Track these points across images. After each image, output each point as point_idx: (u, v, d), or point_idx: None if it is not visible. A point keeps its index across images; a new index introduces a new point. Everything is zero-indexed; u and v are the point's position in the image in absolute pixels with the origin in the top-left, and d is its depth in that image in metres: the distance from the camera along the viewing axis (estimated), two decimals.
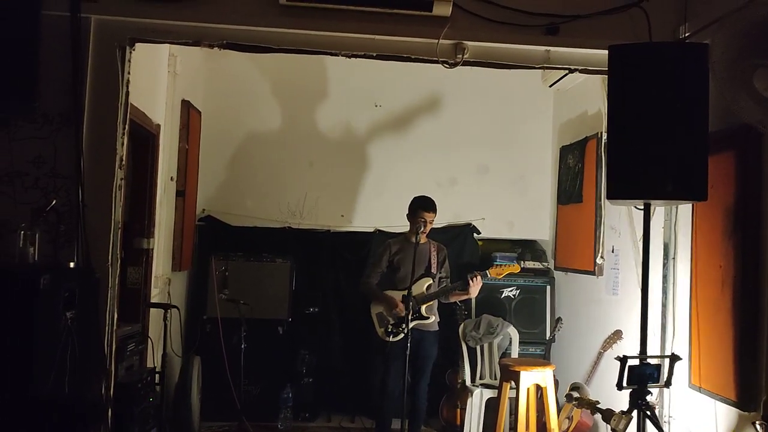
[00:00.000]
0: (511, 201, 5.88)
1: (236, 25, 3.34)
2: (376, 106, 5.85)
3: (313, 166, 5.78)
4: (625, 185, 2.92)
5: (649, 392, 2.72)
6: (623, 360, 2.66)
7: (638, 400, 2.69)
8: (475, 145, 5.86)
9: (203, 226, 5.62)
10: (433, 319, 4.54)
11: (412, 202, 4.65)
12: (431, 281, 4.56)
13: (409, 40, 3.40)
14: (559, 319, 5.14)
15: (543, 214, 5.91)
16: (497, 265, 4.73)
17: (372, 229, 5.74)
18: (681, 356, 2.86)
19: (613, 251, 4.51)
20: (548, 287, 5.58)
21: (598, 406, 3.23)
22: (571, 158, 5.27)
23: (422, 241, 4.47)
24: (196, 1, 3.28)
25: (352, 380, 5.50)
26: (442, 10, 3.27)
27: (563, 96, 5.70)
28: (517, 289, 5.55)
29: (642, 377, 2.68)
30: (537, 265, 5.77)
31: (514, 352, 5.13)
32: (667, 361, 2.85)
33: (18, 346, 2.50)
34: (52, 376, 2.58)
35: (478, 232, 5.84)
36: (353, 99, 5.83)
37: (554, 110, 5.91)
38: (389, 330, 4.45)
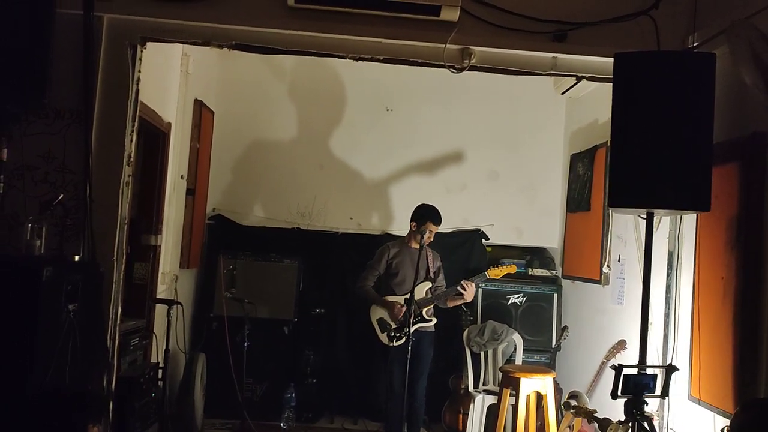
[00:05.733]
0: (520, 208, 5.87)
1: (245, 26, 3.38)
2: (387, 110, 5.87)
3: (323, 168, 5.81)
4: (627, 193, 2.91)
5: (645, 402, 2.70)
6: (618, 369, 2.65)
7: (633, 410, 2.67)
8: (486, 150, 5.86)
9: (213, 225, 5.67)
10: (435, 320, 4.64)
11: (420, 209, 4.67)
12: (430, 285, 4.62)
13: (416, 44, 3.42)
14: (566, 327, 5.10)
15: (552, 221, 5.88)
16: (496, 266, 4.77)
17: (380, 232, 5.76)
18: (678, 367, 2.83)
19: (619, 260, 4.49)
20: (555, 295, 5.56)
21: (596, 415, 3.21)
22: (581, 166, 5.25)
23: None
24: (206, 1, 3.32)
25: (356, 382, 5.52)
26: (450, 15, 3.28)
27: (575, 104, 5.68)
28: (523, 296, 5.54)
29: (638, 387, 2.66)
30: (545, 272, 5.76)
31: (519, 359, 5.11)
32: (664, 371, 2.82)
33: (19, 336, 2.53)
34: (53, 368, 2.62)
35: (487, 238, 5.83)
36: (365, 103, 5.85)
37: (566, 118, 5.90)
38: (392, 335, 4.49)
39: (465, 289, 4.49)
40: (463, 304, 4.84)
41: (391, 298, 4.57)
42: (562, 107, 5.89)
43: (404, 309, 4.42)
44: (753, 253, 2.76)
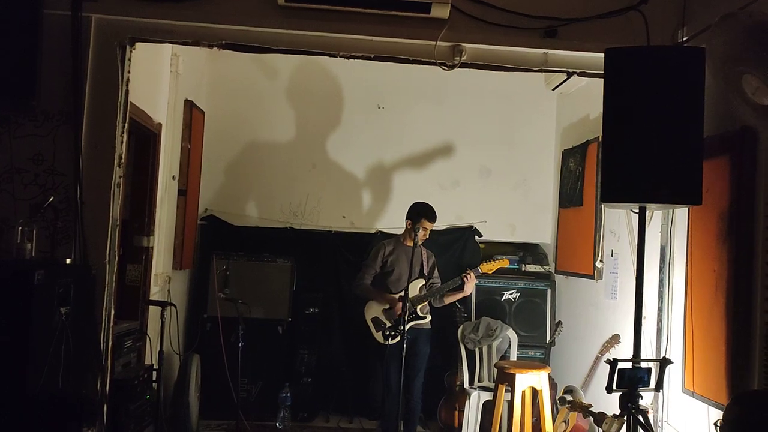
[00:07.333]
0: (513, 204, 5.88)
1: (235, 26, 3.37)
2: (378, 107, 5.87)
3: (315, 167, 5.80)
4: (619, 188, 2.92)
5: (640, 396, 2.71)
6: (613, 363, 2.66)
7: (628, 404, 2.68)
8: (478, 147, 5.87)
9: (205, 226, 5.65)
10: (429, 318, 4.62)
11: (415, 207, 4.66)
12: (424, 282, 4.62)
13: (407, 41, 3.42)
14: (560, 322, 5.11)
15: (545, 217, 5.89)
16: (488, 261, 4.75)
17: (373, 231, 5.76)
18: (672, 360, 2.84)
19: (612, 255, 4.50)
20: (549, 291, 5.57)
21: (591, 409, 3.22)
22: (573, 162, 5.26)
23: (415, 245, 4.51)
24: (196, 1, 3.31)
25: (352, 381, 5.51)
26: (440, 12, 3.29)
27: (566, 99, 5.70)
28: (517, 292, 5.55)
29: (632, 380, 2.67)
30: (538, 268, 5.77)
31: (513, 355, 5.12)
32: (658, 364, 2.83)
33: (11, 341, 2.52)
34: (45, 371, 2.60)
35: (480, 235, 5.84)
36: (356, 101, 5.84)
37: (557, 113, 5.91)
38: (387, 334, 4.49)
39: (467, 280, 4.47)
40: (460, 299, 4.82)
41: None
42: (554, 103, 5.90)
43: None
44: (744, 246, 2.77)
